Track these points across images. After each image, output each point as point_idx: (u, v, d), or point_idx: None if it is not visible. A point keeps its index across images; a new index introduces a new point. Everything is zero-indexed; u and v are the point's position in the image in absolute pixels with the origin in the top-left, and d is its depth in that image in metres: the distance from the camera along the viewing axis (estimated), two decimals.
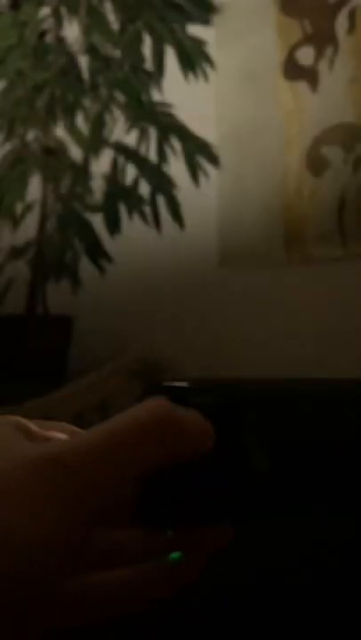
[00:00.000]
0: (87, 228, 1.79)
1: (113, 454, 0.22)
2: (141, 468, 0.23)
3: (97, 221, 1.83)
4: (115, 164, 1.87)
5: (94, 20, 1.75)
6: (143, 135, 1.79)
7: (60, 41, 1.85)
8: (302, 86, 1.72)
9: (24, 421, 0.25)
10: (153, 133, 1.78)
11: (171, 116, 1.77)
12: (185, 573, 0.26)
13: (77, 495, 0.21)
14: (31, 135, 1.88)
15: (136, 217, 1.84)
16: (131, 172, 1.85)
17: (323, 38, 1.70)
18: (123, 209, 1.81)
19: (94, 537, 0.24)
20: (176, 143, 1.76)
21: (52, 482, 0.21)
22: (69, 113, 1.64)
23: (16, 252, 1.85)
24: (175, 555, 0.26)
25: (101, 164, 1.89)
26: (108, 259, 1.81)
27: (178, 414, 0.24)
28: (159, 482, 0.25)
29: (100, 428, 0.23)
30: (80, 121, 1.76)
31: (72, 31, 1.89)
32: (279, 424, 1.37)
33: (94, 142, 1.75)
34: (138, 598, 0.25)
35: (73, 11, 1.76)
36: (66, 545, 0.21)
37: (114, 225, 1.79)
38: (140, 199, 1.81)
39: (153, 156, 1.78)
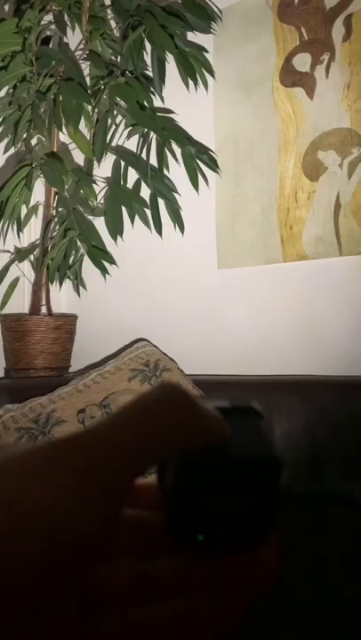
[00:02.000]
0: (90, 231, 1.82)
1: (125, 431, 0.22)
2: (158, 445, 0.23)
3: (100, 224, 1.87)
4: (116, 168, 1.90)
5: (96, 27, 1.77)
6: (144, 140, 1.82)
7: (63, 47, 1.87)
8: (299, 92, 1.75)
9: None
10: (153, 138, 1.81)
11: (171, 121, 1.80)
12: (228, 606, 0.24)
13: (91, 475, 0.21)
14: (35, 140, 1.90)
15: (138, 220, 1.87)
16: (132, 177, 1.89)
17: (319, 45, 1.72)
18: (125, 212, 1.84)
19: (123, 522, 0.23)
20: (176, 148, 1.79)
21: (64, 463, 0.21)
22: (72, 118, 1.65)
23: (21, 254, 1.88)
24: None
25: (103, 168, 1.92)
26: (111, 261, 1.83)
27: (187, 393, 0.24)
28: (189, 493, 0.24)
29: (114, 412, 0.23)
30: (82, 126, 1.78)
31: (75, 38, 1.92)
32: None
33: (99, 148, 1.77)
34: (182, 634, 0.23)
35: (76, 18, 1.78)
36: (81, 528, 0.21)
37: (116, 228, 1.82)
38: (141, 203, 1.83)
39: (153, 160, 1.81)
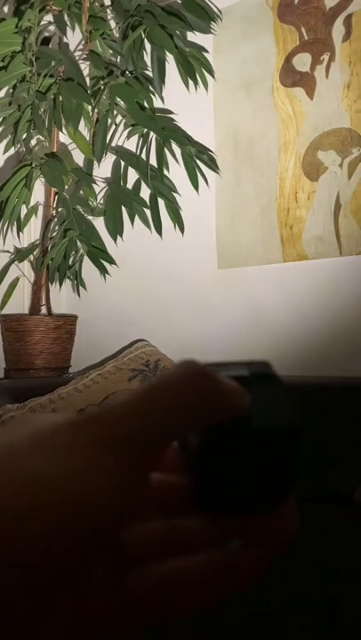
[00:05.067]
0: (90, 231, 1.82)
1: (147, 406, 0.23)
2: (180, 419, 0.23)
3: (100, 224, 1.87)
4: (116, 168, 1.90)
5: (96, 27, 1.77)
6: (144, 140, 1.82)
7: (63, 47, 1.87)
8: (299, 92, 1.75)
9: None
10: (153, 138, 1.81)
11: (171, 121, 1.80)
12: (249, 563, 0.24)
13: (116, 449, 0.22)
14: (35, 140, 1.91)
15: (137, 220, 1.87)
16: (132, 177, 1.89)
17: (319, 45, 1.72)
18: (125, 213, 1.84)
19: (148, 495, 0.24)
20: (176, 148, 1.79)
21: (91, 439, 0.22)
22: (72, 118, 1.65)
23: (21, 254, 1.88)
24: (234, 543, 0.25)
25: (103, 168, 1.92)
26: (111, 261, 1.83)
27: (208, 368, 0.24)
28: (210, 462, 0.24)
29: (136, 390, 0.24)
30: (82, 126, 1.78)
31: (75, 38, 1.92)
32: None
33: (99, 148, 1.77)
34: (211, 588, 0.24)
35: (76, 18, 1.78)
36: (111, 499, 0.21)
37: (116, 228, 1.82)
38: (141, 203, 1.83)
39: (153, 160, 1.81)
